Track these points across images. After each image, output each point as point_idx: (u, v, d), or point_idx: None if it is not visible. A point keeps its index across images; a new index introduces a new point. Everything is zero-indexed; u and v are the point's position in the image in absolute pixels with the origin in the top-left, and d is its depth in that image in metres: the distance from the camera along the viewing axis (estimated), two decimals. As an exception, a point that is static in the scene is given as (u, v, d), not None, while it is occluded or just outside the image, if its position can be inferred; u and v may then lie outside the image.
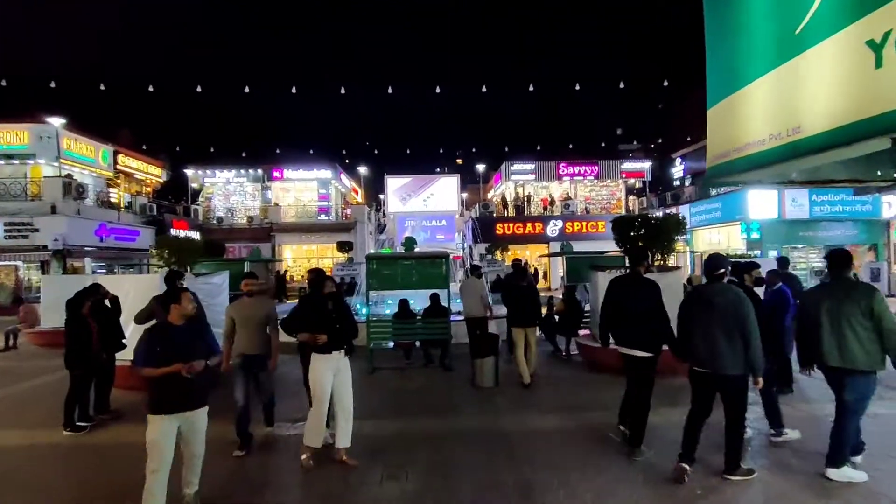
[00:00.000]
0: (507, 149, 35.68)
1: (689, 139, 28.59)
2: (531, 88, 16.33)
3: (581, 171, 32.58)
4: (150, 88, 22.92)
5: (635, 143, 38.26)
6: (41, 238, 18.81)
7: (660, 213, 27.15)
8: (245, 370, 5.08)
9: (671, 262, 9.29)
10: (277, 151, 33.54)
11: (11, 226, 18.86)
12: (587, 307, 9.66)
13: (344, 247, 25.08)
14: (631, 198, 33.35)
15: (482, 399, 6.80)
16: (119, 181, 27.09)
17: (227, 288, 8.34)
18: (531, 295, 7.65)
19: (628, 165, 32.99)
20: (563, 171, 32.47)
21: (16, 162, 21.68)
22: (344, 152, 43.52)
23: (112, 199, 25.44)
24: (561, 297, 11.98)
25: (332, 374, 4.58)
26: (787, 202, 19.57)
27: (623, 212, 32.44)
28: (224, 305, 8.19)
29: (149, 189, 30.22)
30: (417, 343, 8.75)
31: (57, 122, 20.52)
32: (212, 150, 32.32)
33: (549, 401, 6.69)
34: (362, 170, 40.51)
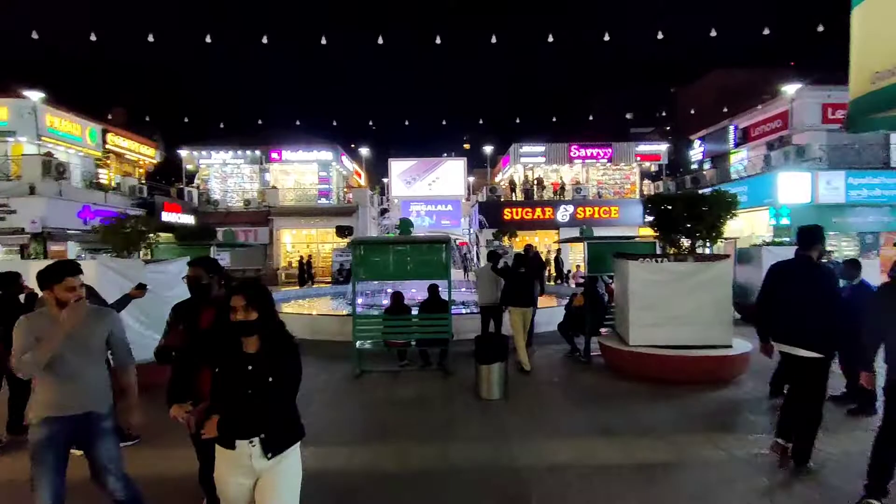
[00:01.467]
0: (518, 120, 34.09)
1: (735, 108, 26.71)
2: (550, 39, 14.56)
3: (594, 153, 30.95)
4: (144, 65, 21.66)
5: (662, 119, 36.26)
6: (19, 220, 17.66)
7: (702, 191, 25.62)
8: (57, 447, 2.72)
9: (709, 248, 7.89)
10: (276, 131, 32.03)
11: (-12, 207, 17.70)
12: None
13: (343, 231, 23.81)
14: (646, 182, 31.72)
15: (488, 416, 5.54)
16: (109, 161, 25.88)
17: (187, 277, 7.08)
18: (529, 278, 7.79)
19: (643, 148, 31.30)
20: (575, 153, 30.86)
21: (-4, 140, 20.47)
22: (345, 133, 42.13)
23: (102, 181, 24.31)
24: (576, 284, 10.72)
25: (245, 481, 2.29)
26: (820, 185, 18.03)
27: (637, 197, 30.89)
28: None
29: (142, 170, 29.01)
30: (413, 342, 7.48)
31: (35, 96, 19.25)
32: (208, 129, 31.01)
33: (571, 420, 5.41)
34: (364, 151, 39.11)
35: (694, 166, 29.42)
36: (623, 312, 7.05)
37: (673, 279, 6.46)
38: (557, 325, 8.64)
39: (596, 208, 29.06)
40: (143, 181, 26.60)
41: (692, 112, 33.85)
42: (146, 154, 29.04)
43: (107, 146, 25.26)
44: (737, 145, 25.41)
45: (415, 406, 5.98)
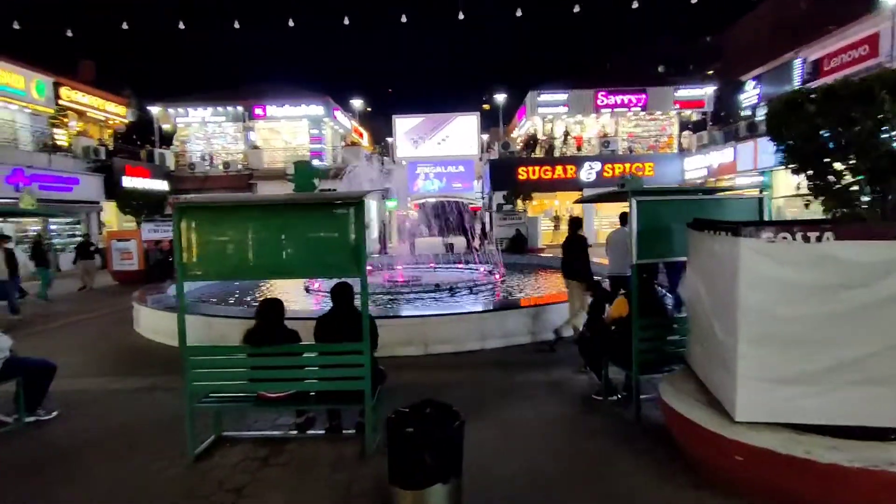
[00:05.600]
0: (537, 72, 29.68)
1: (796, 41, 21.90)
2: None
3: (625, 100, 26.51)
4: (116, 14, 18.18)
5: (703, 59, 30.84)
6: (-75, 187, 14.76)
7: (726, 151, 21.29)
8: None
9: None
10: (262, 85, 28.30)
11: None
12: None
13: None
14: (685, 133, 27.20)
15: None
16: (66, 119, 22.72)
17: None
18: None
19: (683, 93, 26.68)
20: (603, 101, 26.47)
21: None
22: (344, 87, 38.07)
23: (60, 142, 21.23)
24: (604, 284, 7.25)
25: None
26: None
27: (676, 150, 26.51)
28: None
29: (110, 131, 25.88)
30: (312, 393, 4.03)
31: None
32: (188, 84, 27.52)
33: None
34: (356, 104, 34.93)
35: (746, 112, 24.74)
36: (713, 343, 3.44)
37: (849, 282, 2.83)
38: (577, 342, 5.12)
39: (627, 165, 24.89)
40: (106, 142, 23.42)
41: (742, 50, 28.78)
42: (115, 112, 25.83)
43: (61, 102, 22.05)
44: (804, 83, 20.78)
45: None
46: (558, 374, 5.63)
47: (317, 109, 27.49)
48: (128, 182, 21.38)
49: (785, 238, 2.95)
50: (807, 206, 3.61)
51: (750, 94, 24.39)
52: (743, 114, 25.14)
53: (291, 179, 4.50)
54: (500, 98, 30.52)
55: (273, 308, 3.89)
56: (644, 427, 4.23)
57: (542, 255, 17.61)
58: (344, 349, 3.75)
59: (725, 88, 27.42)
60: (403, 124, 33.98)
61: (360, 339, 3.70)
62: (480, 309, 7.14)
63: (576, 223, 7.24)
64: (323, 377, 3.82)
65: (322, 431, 4.22)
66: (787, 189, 19.18)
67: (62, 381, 5.62)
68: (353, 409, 3.95)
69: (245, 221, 3.63)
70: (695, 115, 27.61)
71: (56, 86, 21.72)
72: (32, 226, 19.03)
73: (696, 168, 23.85)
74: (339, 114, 30.13)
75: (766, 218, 4.30)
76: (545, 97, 26.99)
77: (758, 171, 19.44)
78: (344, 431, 4.18)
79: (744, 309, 3.06)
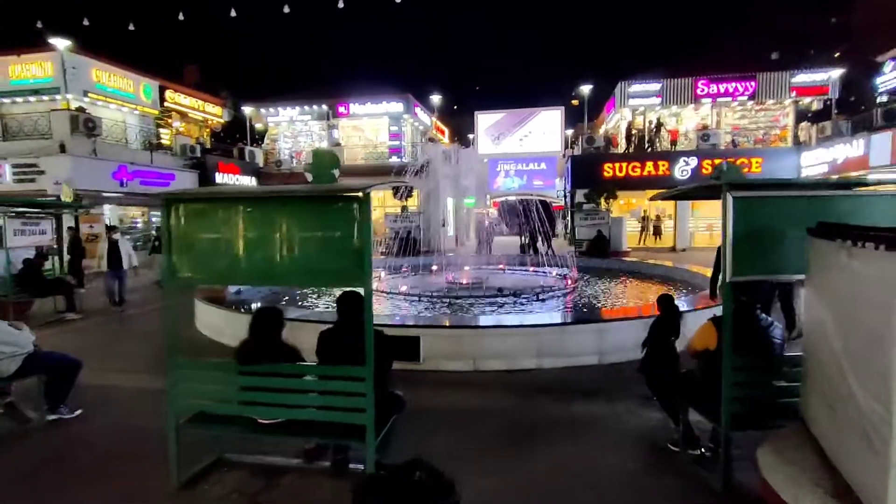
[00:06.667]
0: (628, 63, 27.65)
1: None
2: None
3: (729, 89, 23.76)
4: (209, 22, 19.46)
5: (824, 39, 26.70)
6: (47, 182, 16.32)
7: (855, 143, 18.23)
8: None
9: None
10: (345, 84, 28.91)
11: (18, 168, 16.56)
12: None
13: (401, 192, 20.07)
14: (803, 124, 23.84)
15: None
16: (170, 121, 24.52)
17: None
18: None
19: (802, 78, 23.34)
20: (703, 90, 23.93)
21: (45, 98, 19.45)
22: (426, 84, 38.02)
23: (164, 141, 22.98)
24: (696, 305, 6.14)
25: None
26: None
27: (790, 144, 23.35)
28: None
29: (208, 130, 27.64)
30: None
31: (62, 44, 17.57)
32: (279, 85, 28.75)
33: None
34: (440, 100, 34.50)
35: (882, 98, 21.13)
36: (846, 405, 2.35)
37: None
38: (641, 369, 4.10)
39: (729, 160, 22.26)
40: (203, 140, 24.99)
41: (877, 28, 24.76)
42: (212, 113, 27.53)
43: (166, 104, 23.80)
44: (962, 61, 17.27)
45: None
46: (623, 406, 4.62)
47: (397, 107, 27.58)
48: (220, 178, 22.62)
49: None
50: None
51: (888, 78, 20.85)
52: (879, 100, 21.52)
53: (309, 166, 3.93)
54: (586, 90, 28.70)
55: (265, 319, 3.31)
56: (735, 499, 3.17)
57: (625, 259, 16.06)
58: (342, 374, 3.08)
59: (856, 71, 23.72)
60: (485, 120, 33.15)
61: (360, 363, 3.01)
62: (538, 322, 6.21)
63: None
64: (318, 405, 3.18)
65: (328, 464, 3.61)
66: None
67: (100, 376, 5.58)
68: (356, 444, 3.27)
69: (233, 218, 3.07)
70: (815, 104, 24.15)
71: (161, 89, 23.46)
72: (136, 217, 20.73)
73: (815, 164, 20.79)
74: (419, 110, 30.03)
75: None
76: (636, 88, 24.94)
77: (897, 167, 16.41)
78: (351, 466, 3.54)
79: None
